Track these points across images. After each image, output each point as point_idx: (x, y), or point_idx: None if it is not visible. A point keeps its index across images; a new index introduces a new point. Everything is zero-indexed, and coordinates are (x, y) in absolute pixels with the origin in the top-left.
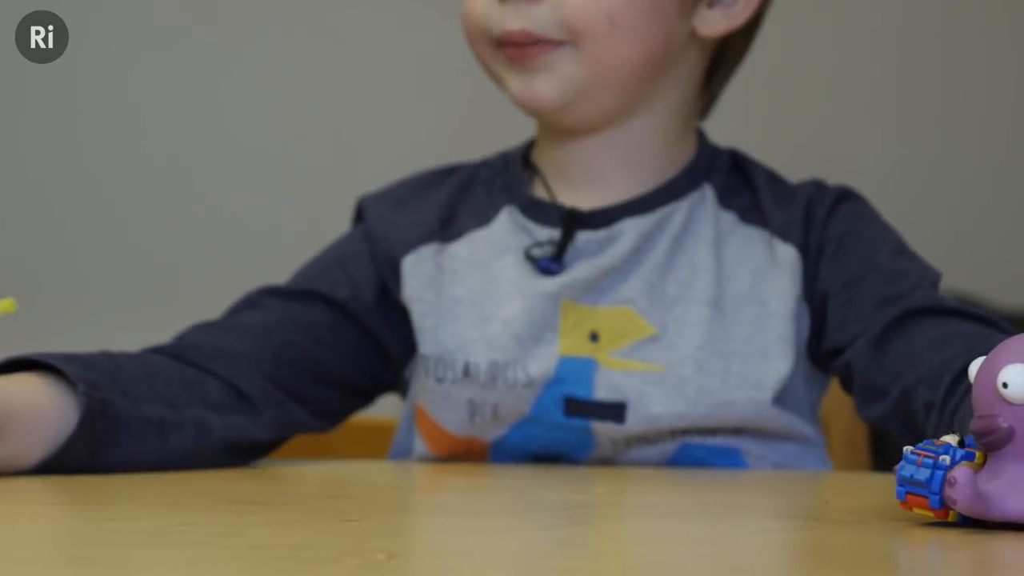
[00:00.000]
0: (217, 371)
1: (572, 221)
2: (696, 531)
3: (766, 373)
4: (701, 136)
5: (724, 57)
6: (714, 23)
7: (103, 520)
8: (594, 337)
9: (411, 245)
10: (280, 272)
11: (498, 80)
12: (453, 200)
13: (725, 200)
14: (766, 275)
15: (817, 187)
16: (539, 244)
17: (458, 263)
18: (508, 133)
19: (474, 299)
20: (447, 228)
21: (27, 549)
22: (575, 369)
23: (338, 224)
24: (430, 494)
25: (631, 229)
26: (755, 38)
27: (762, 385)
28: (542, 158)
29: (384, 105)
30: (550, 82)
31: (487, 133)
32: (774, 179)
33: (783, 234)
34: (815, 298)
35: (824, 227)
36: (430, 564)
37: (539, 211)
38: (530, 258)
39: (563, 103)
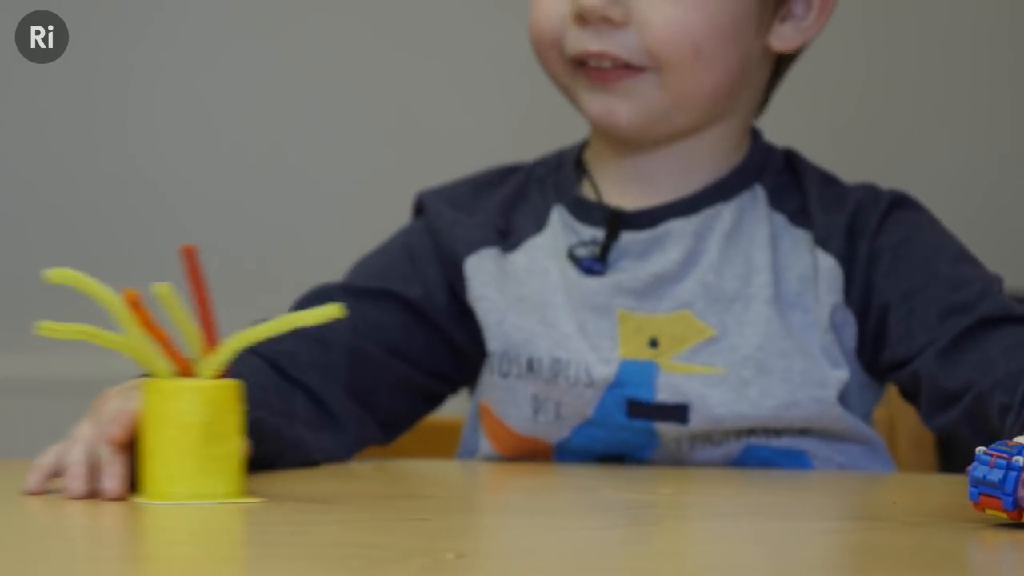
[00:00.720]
0: (307, 384)
1: (616, 221)
2: (761, 531)
3: (828, 373)
4: (756, 135)
5: (784, 63)
6: (788, 38)
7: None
8: (654, 343)
9: (473, 246)
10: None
11: (570, 94)
12: (509, 206)
13: (776, 201)
14: (810, 283)
15: (869, 192)
16: (583, 244)
17: (519, 270)
18: (566, 131)
19: (536, 301)
20: (506, 238)
21: (98, 547)
22: (636, 372)
23: (387, 223)
24: (497, 493)
25: (677, 230)
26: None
27: (826, 383)
28: (595, 158)
29: (440, 103)
30: (629, 106)
31: (546, 131)
32: (827, 181)
33: (824, 243)
34: (871, 309)
35: (876, 236)
36: (498, 564)
37: (585, 211)
38: (573, 257)
39: (641, 127)
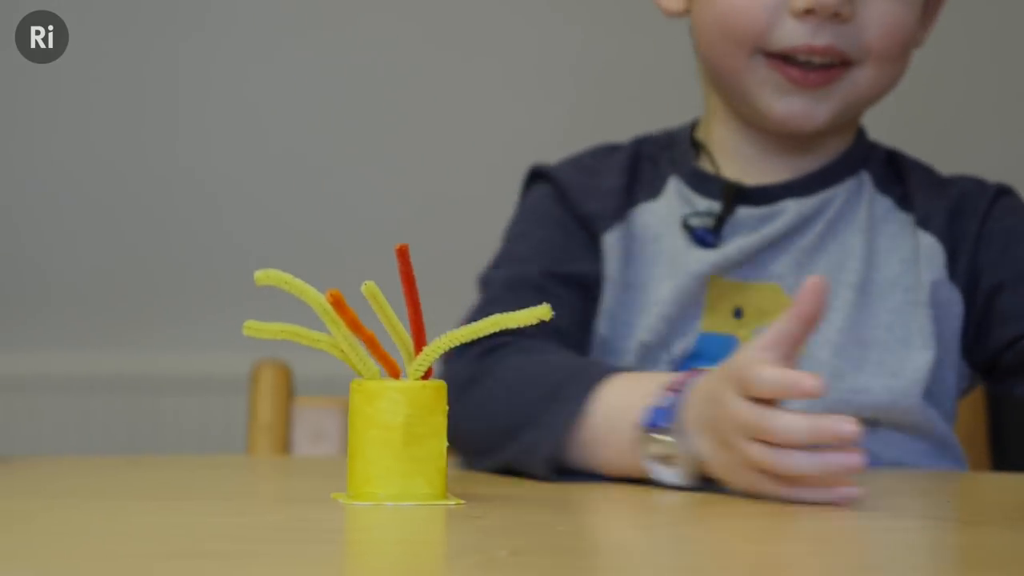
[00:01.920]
0: None
1: (734, 195)
2: (819, 529)
3: (905, 363)
4: (860, 129)
5: None
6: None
7: (225, 515)
8: (738, 313)
9: (608, 221)
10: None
11: (743, 89)
12: (628, 173)
13: (883, 186)
14: (914, 264)
15: (975, 182)
16: (698, 214)
17: (634, 242)
18: (612, 129)
19: (643, 281)
20: (627, 205)
21: (160, 543)
22: (715, 345)
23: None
24: (549, 490)
25: (792, 209)
26: None
27: (900, 374)
28: (712, 136)
29: (487, 103)
30: (828, 107)
31: (591, 130)
32: (928, 171)
33: (924, 223)
34: (978, 290)
35: (985, 220)
36: (551, 562)
37: (702, 182)
38: (687, 228)
39: (834, 123)
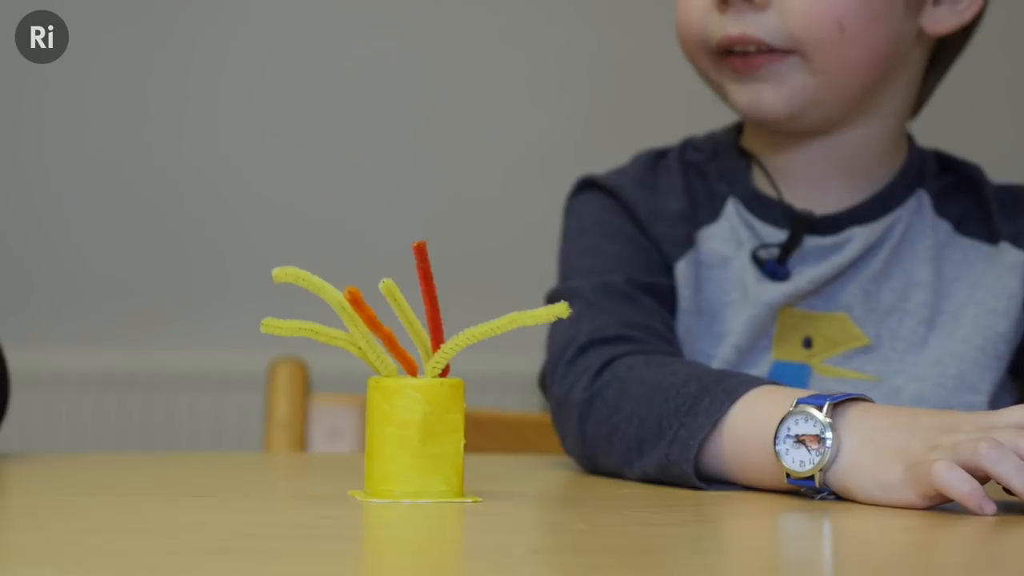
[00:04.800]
0: None
1: (802, 224)
2: (846, 528)
3: (982, 376)
4: (910, 138)
5: (943, 54)
6: (943, 20)
7: (242, 512)
8: (807, 343)
9: (679, 249)
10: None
11: (718, 89)
12: (687, 194)
13: (940, 208)
14: (985, 280)
15: None
16: (765, 246)
17: (702, 268)
18: (630, 131)
19: (716, 309)
20: (692, 230)
21: (177, 540)
22: (789, 374)
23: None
24: (567, 488)
25: (859, 237)
26: (975, 33)
27: (978, 388)
28: (760, 153)
29: (505, 103)
30: (776, 92)
31: (609, 131)
32: (994, 185)
33: (1015, 239)
34: None
35: None
36: (569, 560)
37: (764, 208)
38: (757, 260)
39: (791, 113)
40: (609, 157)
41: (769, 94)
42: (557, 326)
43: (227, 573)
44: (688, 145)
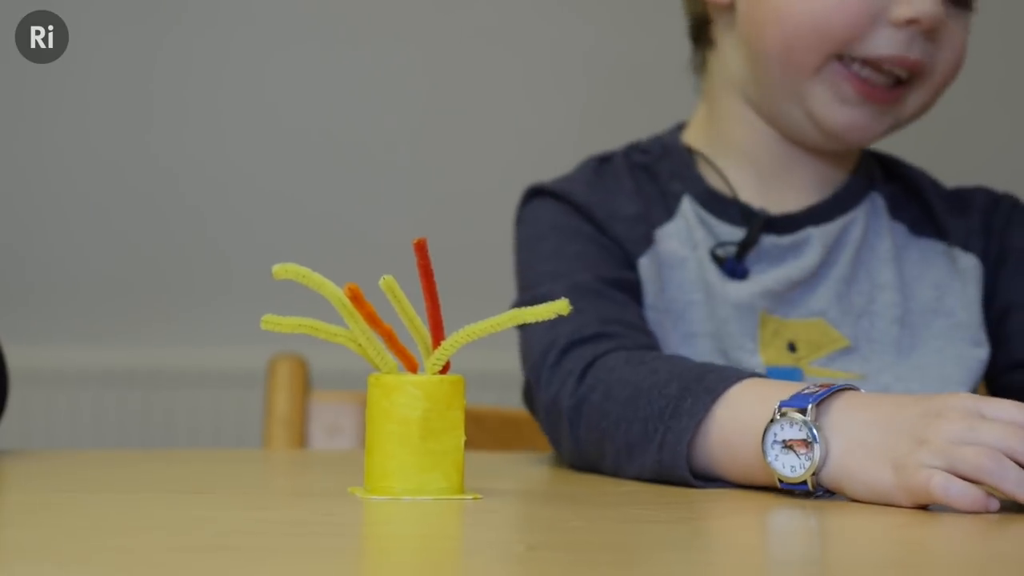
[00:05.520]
0: None
1: (759, 223)
2: (837, 526)
3: (965, 376)
4: None
5: None
6: None
7: (242, 509)
8: (792, 347)
9: (640, 246)
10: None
11: (807, 95)
12: (639, 196)
13: (894, 211)
14: (950, 287)
15: (990, 195)
16: (722, 244)
17: (663, 267)
18: (624, 126)
19: (679, 308)
20: (649, 229)
21: (177, 537)
22: (783, 377)
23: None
24: (565, 485)
25: (816, 238)
26: None
27: (966, 386)
28: (724, 145)
29: (500, 99)
30: (885, 123)
31: (603, 126)
32: (937, 185)
33: (964, 244)
34: (993, 310)
35: (1003, 237)
36: (566, 557)
37: (720, 205)
38: (716, 258)
39: (877, 139)
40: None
41: (879, 125)
42: (533, 333)
43: (227, 569)
44: (632, 149)
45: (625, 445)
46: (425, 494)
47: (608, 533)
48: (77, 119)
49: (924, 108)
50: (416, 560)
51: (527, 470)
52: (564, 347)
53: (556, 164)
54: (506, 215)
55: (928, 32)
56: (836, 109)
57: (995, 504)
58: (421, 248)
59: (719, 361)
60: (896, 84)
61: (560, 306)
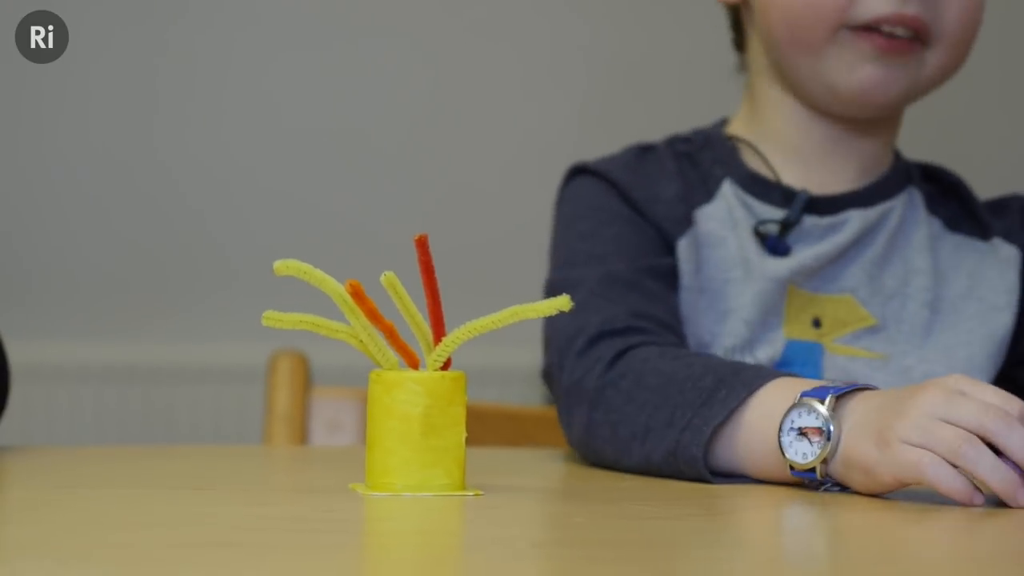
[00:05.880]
0: None
1: (802, 202)
2: (844, 521)
3: (990, 361)
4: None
5: None
6: None
7: (243, 505)
8: (817, 323)
9: (680, 226)
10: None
11: (825, 67)
12: (680, 178)
13: (932, 207)
14: (984, 276)
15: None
16: (763, 222)
17: (702, 247)
18: (623, 122)
19: (718, 286)
20: (689, 210)
21: (177, 533)
22: (802, 352)
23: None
24: (570, 481)
25: (856, 219)
26: None
27: (988, 373)
28: (767, 134)
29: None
30: (905, 80)
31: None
32: (973, 191)
33: (1006, 236)
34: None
35: None
36: (572, 553)
37: (761, 187)
38: (759, 235)
39: (898, 103)
40: (608, 149)
41: (897, 82)
42: (561, 317)
43: (228, 565)
44: (675, 140)
45: (643, 428)
46: (426, 490)
47: (612, 529)
48: (79, 117)
49: (944, 71)
50: (418, 556)
51: (529, 466)
52: (594, 336)
53: (559, 161)
54: (508, 211)
55: None
56: (854, 70)
57: (980, 498)
58: (422, 244)
59: (743, 332)
60: (912, 39)
61: (562, 302)
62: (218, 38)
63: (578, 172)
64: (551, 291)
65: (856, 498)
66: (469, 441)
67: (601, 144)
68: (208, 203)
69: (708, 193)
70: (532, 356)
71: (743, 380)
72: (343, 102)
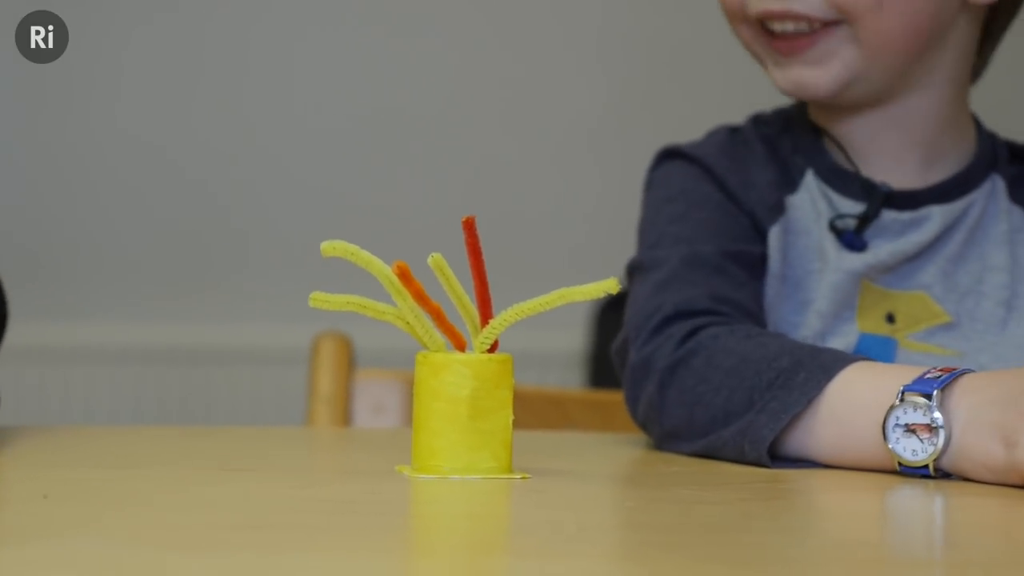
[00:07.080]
0: None
1: (880, 197)
2: (896, 507)
3: None
4: (977, 121)
5: (994, 21)
6: None
7: (288, 487)
8: (890, 318)
9: (773, 214)
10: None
11: (759, 61)
12: (771, 165)
13: (1014, 193)
14: None
15: None
16: (841, 216)
17: (790, 236)
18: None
19: (799, 276)
20: (781, 197)
21: (224, 514)
22: (876, 346)
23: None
24: (617, 465)
25: (936, 216)
26: None
27: None
28: (839, 124)
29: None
30: (823, 72)
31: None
32: None
33: None
34: None
35: None
36: (619, 537)
37: (841, 180)
38: (835, 230)
39: (836, 90)
40: (653, 128)
41: (812, 76)
42: (641, 295)
43: (276, 547)
44: (758, 120)
45: (722, 412)
46: (473, 473)
47: (662, 513)
48: (120, 100)
49: (878, 40)
50: (465, 539)
51: (575, 450)
52: (670, 314)
53: (604, 146)
54: (553, 193)
55: None
56: (777, 72)
57: None
58: (469, 226)
59: (817, 324)
60: (808, 33)
61: (609, 284)
62: (245, 24)
63: (669, 155)
64: (634, 270)
65: (921, 483)
66: (514, 424)
67: (647, 124)
68: (254, 185)
69: (793, 182)
70: (572, 340)
71: (822, 363)
72: (387, 85)
